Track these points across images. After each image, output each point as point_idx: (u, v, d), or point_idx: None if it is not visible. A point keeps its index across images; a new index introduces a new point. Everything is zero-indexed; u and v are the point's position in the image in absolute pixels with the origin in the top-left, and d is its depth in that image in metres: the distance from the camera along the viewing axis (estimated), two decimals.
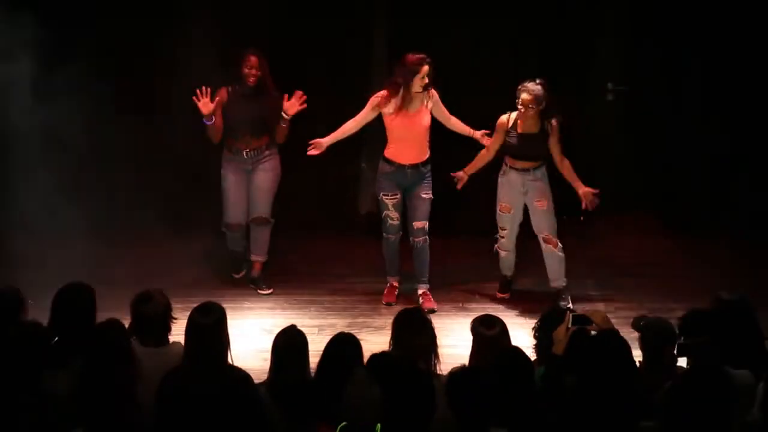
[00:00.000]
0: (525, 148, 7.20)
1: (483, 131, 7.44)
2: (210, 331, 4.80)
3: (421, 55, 7.17)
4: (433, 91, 7.31)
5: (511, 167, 7.30)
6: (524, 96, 7.03)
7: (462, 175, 7.50)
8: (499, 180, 7.38)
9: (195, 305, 5.01)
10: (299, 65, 8.46)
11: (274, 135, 7.53)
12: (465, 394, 4.39)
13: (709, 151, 8.72)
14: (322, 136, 7.41)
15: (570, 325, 5.05)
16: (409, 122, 7.26)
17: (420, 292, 7.57)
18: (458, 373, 4.54)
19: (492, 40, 8.53)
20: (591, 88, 8.74)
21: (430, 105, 7.31)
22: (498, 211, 7.44)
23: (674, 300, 7.33)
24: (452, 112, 7.44)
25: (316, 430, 4.50)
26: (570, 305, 7.24)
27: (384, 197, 7.42)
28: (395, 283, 7.64)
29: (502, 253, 7.55)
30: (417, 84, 7.17)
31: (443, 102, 7.39)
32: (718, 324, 5.08)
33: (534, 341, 5.22)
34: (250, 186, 7.60)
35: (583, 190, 7.30)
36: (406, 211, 7.52)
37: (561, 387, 4.66)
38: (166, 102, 8.58)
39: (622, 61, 8.80)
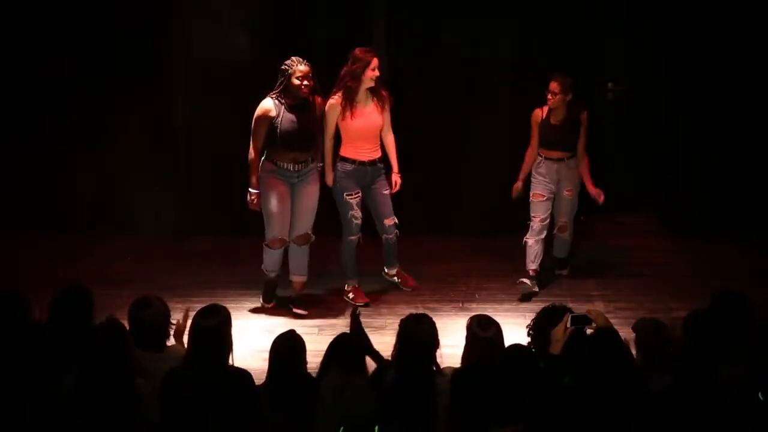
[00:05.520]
0: (560, 138, 7.47)
1: (396, 175, 7.39)
2: (214, 333, 4.79)
3: (370, 48, 7.21)
4: (389, 99, 7.28)
5: (546, 158, 7.53)
6: (552, 83, 7.32)
7: (519, 185, 7.66)
8: (534, 173, 7.57)
9: (196, 306, 5.02)
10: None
11: (320, 147, 7.25)
12: (469, 394, 4.40)
13: (709, 151, 8.72)
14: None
15: (569, 325, 5.06)
16: (364, 120, 7.22)
17: (395, 271, 7.67)
18: (462, 373, 4.54)
19: (492, 40, 8.52)
20: (591, 88, 8.73)
21: (386, 108, 7.26)
22: (531, 200, 7.60)
23: (674, 300, 7.34)
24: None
25: None
26: (564, 272, 7.93)
27: (348, 197, 7.32)
28: (357, 284, 7.60)
29: (530, 241, 7.60)
30: (368, 77, 7.11)
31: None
32: (717, 322, 5.08)
33: (528, 339, 5.24)
34: (296, 201, 7.21)
35: (593, 190, 7.58)
36: (368, 210, 7.48)
37: (559, 386, 4.67)
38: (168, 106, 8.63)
39: (622, 61, 8.80)
